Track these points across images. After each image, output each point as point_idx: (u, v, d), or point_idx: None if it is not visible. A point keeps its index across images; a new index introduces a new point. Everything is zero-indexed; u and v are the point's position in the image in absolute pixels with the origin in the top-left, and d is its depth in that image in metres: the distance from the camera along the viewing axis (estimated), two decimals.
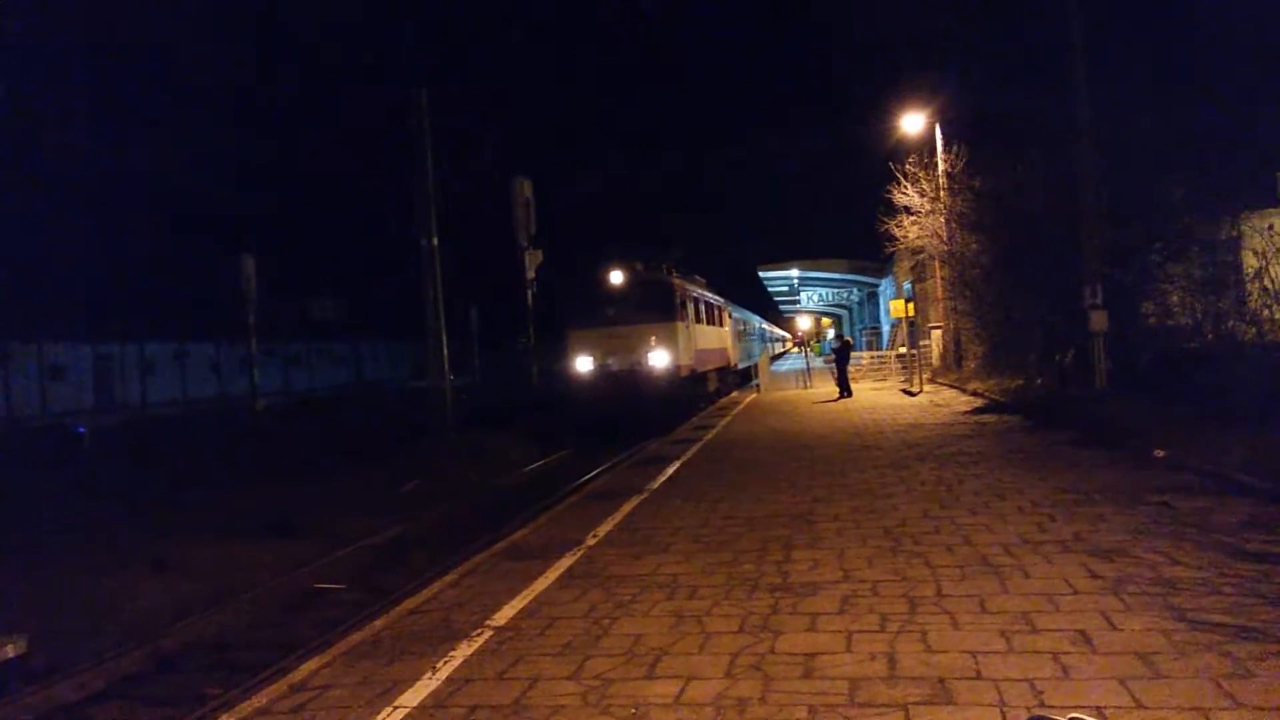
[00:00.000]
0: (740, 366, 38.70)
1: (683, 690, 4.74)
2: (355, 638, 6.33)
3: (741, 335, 40.58)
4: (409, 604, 7.11)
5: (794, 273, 56.16)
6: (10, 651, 7.60)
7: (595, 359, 23.81)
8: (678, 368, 23.61)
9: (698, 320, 26.83)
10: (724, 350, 32.67)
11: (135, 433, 33.12)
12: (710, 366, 28.64)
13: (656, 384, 23.23)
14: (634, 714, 4.50)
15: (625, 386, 23.27)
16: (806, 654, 5.11)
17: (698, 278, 29.80)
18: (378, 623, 6.66)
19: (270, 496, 16.03)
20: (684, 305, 24.73)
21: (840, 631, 5.45)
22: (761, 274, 57.78)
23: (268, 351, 52.08)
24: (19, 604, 9.60)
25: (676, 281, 24.70)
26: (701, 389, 27.49)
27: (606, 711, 4.56)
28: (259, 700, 5.24)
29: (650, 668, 5.12)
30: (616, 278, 24.04)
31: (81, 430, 29.32)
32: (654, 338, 23.51)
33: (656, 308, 23.82)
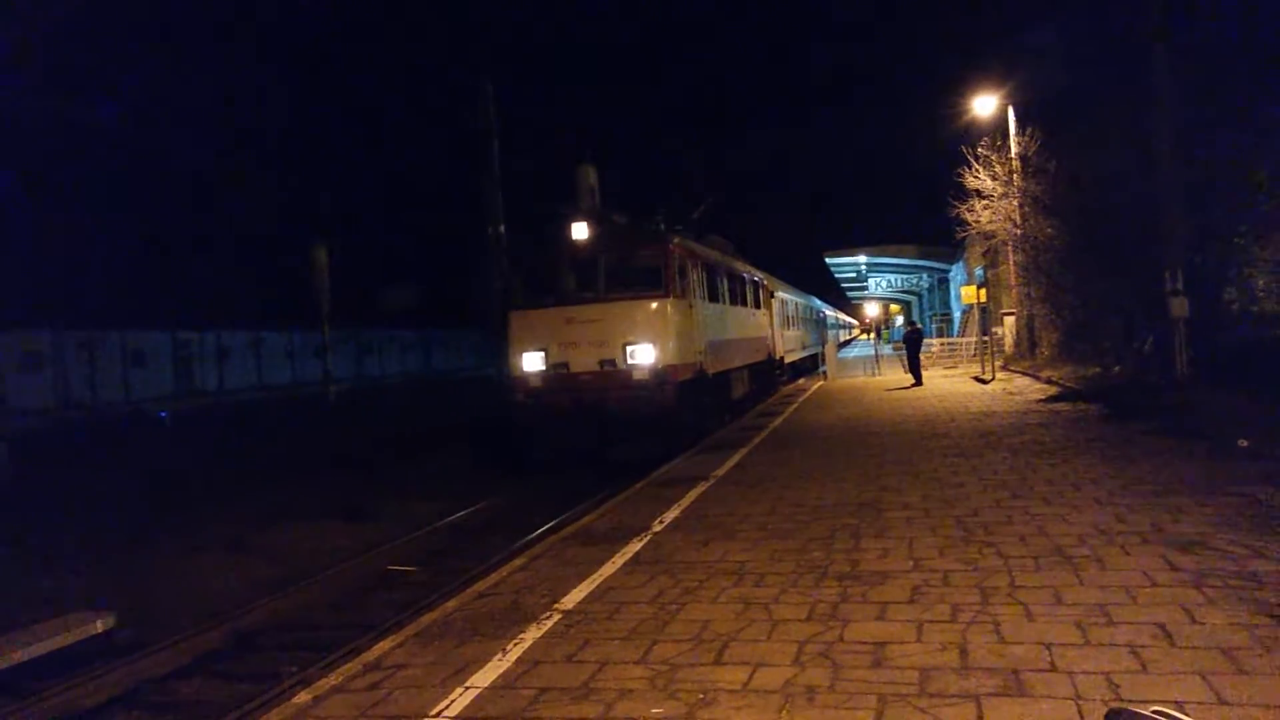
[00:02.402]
0: (793, 358, 32.63)
1: (751, 677, 4.74)
2: (427, 619, 6.44)
3: (792, 321, 33.58)
4: (478, 586, 7.22)
5: (861, 259, 55.49)
6: (100, 626, 7.90)
7: (547, 356, 15.14)
8: (672, 369, 14.88)
9: (712, 298, 18.32)
10: (760, 340, 24.52)
11: (213, 418, 34.03)
12: (734, 364, 20.12)
13: (638, 395, 14.66)
14: (702, 699, 4.52)
15: (590, 399, 14.89)
16: (876, 643, 5.07)
17: (717, 239, 22.61)
18: (449, 604, 6.76)
19: (343, 481, 16.37)
20: (685, 275, 16.03)
21: (910, 621, 5.39)
22: (828, 260, 57.16)
23: (340, 339, 53.10)
24: (106, 582, 9.96)
25: (676, 242, 15.98)
26: (719, 398, 18.64)
27: (674, 696, 4.58)
28: (335, 678, 5.37)
29: (718, 654, 5.12)
30: (580, 232, 15.38)
31: (163, 415, 30.23)
32: (635, 322, 14.89)
33: (640, 278, 15.26)
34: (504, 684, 4.97)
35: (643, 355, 14.74)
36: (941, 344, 41.55)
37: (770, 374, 26.67)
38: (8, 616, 8.21)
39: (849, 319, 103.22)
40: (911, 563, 6.66)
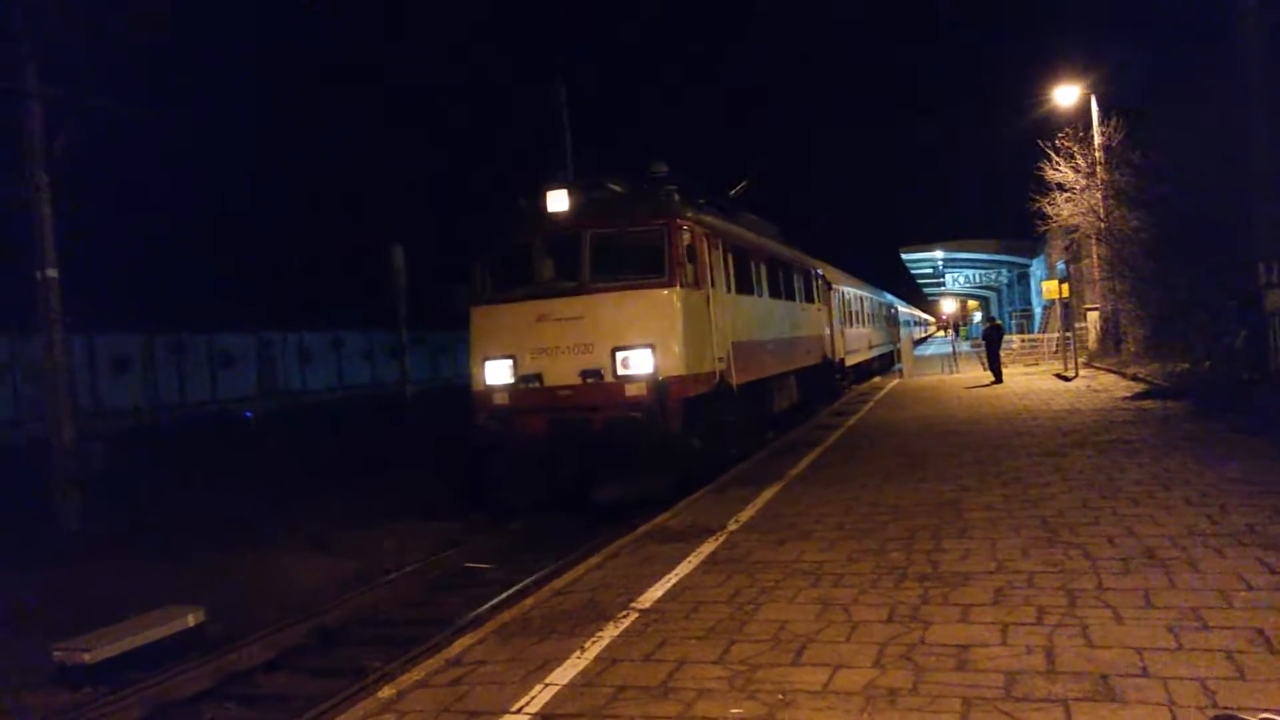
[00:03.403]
0: (857, 360, 29.45)
1: (831, 678, 4.69)
2: (506, 616, 6.52)
3: (857, 317, 30.45)
4: (556, 584, 7.28)
5: (938, 254, 54.48)
6: (190, 621, 8.16)
7: (516, 365, 11.80)
8: (678, 381, 11.44)
9: (743, 289, 14.79)
10: (814, 340, 21.19)
11: (297, 417, 34.88)
12: (774, 370, 16.49)
13: (630, 418, 11.09)
14: (782, 700, 4.49)
15: (570, 422, 11.47)
16: (959, 645, 4.98)
17: (749, 217, 17.92)
18: (527, 602, 6.84)
19: (422, 477, 16.64)
20: (699, 259, 12.38)
21: (994, 623, 5.29)
22: (904, 256, 56.27)
23: (417, 340, 53.97)
24: (194, 577, 10.27)
25: (687, 216, 12.51)
26: (751, 414, 14.90)
27: (753, 697, 4.56)
28: (418, 674, 5.46)
29: (796, 654, 5.09)
30: (558, 203, 12.05)
31: (249, 415, 31.06)
32: (629, 320, 11.52)
33: (637, 261, 11.87)
34: (583, 682, 5.00)
35: (638, 363, 11.17)
36: (1022, 340, 40.62)
37: (828, 379, 23.16)
38: (105, 610, 8.52)
39: (925, 315, 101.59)
40: (994, 564, 6.53)
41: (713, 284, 12.75)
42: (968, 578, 6.24)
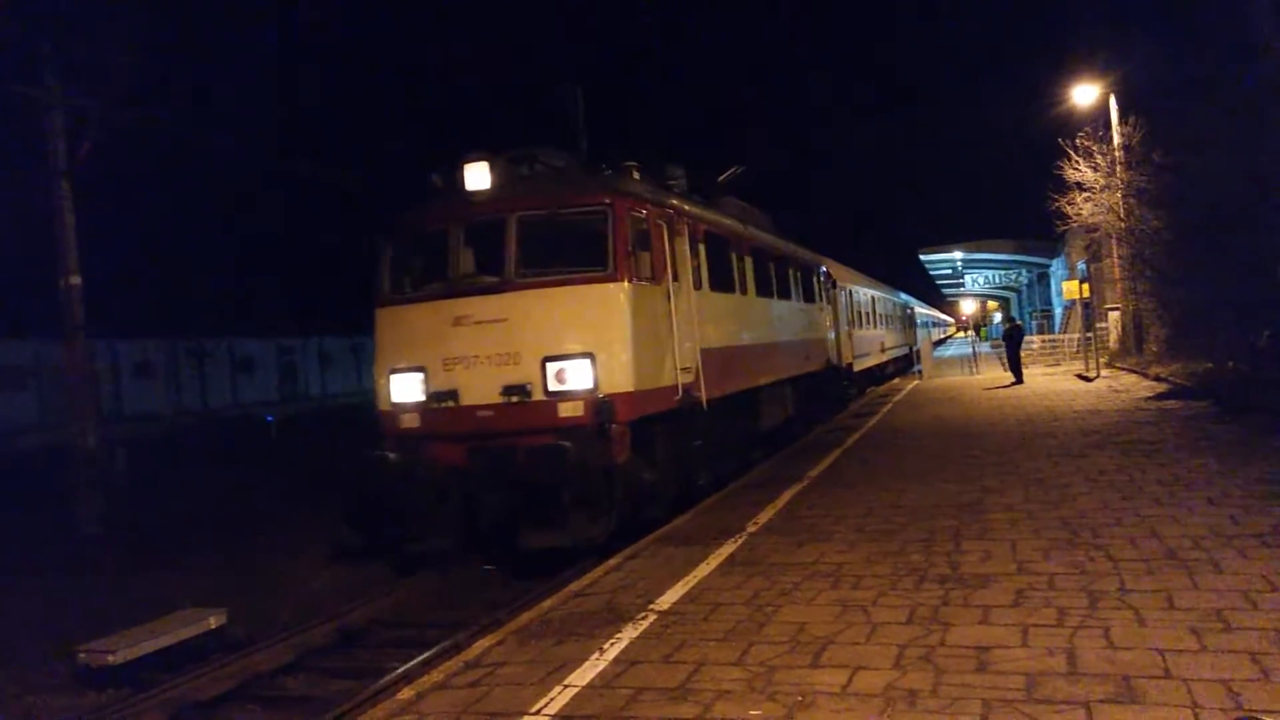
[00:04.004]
0: (868, 365, 27.47)
1: (850, 680, 4.68)
2: (525, 618, 6.53)
3: (869, 318, 28.55)
4: (574, 586, 7.29)
5: (957, 255, 54.22)
6: (213, 623, 8.22)
7: (427, 380, 9.74)
8: (625, 400, 9.28)
9: (722, 286, 12.69)
10: (816, 344, 19.15)
11: (317, 421, 35.05)
12: (763, 379, 14.41)
13: (560, 449, 8.83)
14: (801, 702, 4.48)
15: (490, 452, 9.46)
16: (979, 647, 4.96)
17: (733, 203, 15.31)
18: (545, 604, 6.85)
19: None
20: (655, 246, 10.29)
21: (1015, 625, 5.26)
22: (923, 257, 56.02)
23: None
24: (215, 579, 10.35)
25: (638, 195, 10.30)
26: (729, 435, 12.68)
27: (773, 698, 4.55)
28: (437, 675, 5.48)
29: (815, 656, 5.08)
30: (477, 178, 9.80)
31: (270, 419, 31.25)
32: (563, 322, 9.46)
33: (574, 250, 9.76)
34: (602, 683, 5.01)
35: (575, 377, 9.07)
36: (1042, 341, 40.37)
37: (833, 387, 21.29)
38: (128, 612, 8.60)
39: (945, 316, 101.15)
40: (1015, 565, 6.49)
41: (676, 278, 10.55)
42: (988, 579, 6.21)
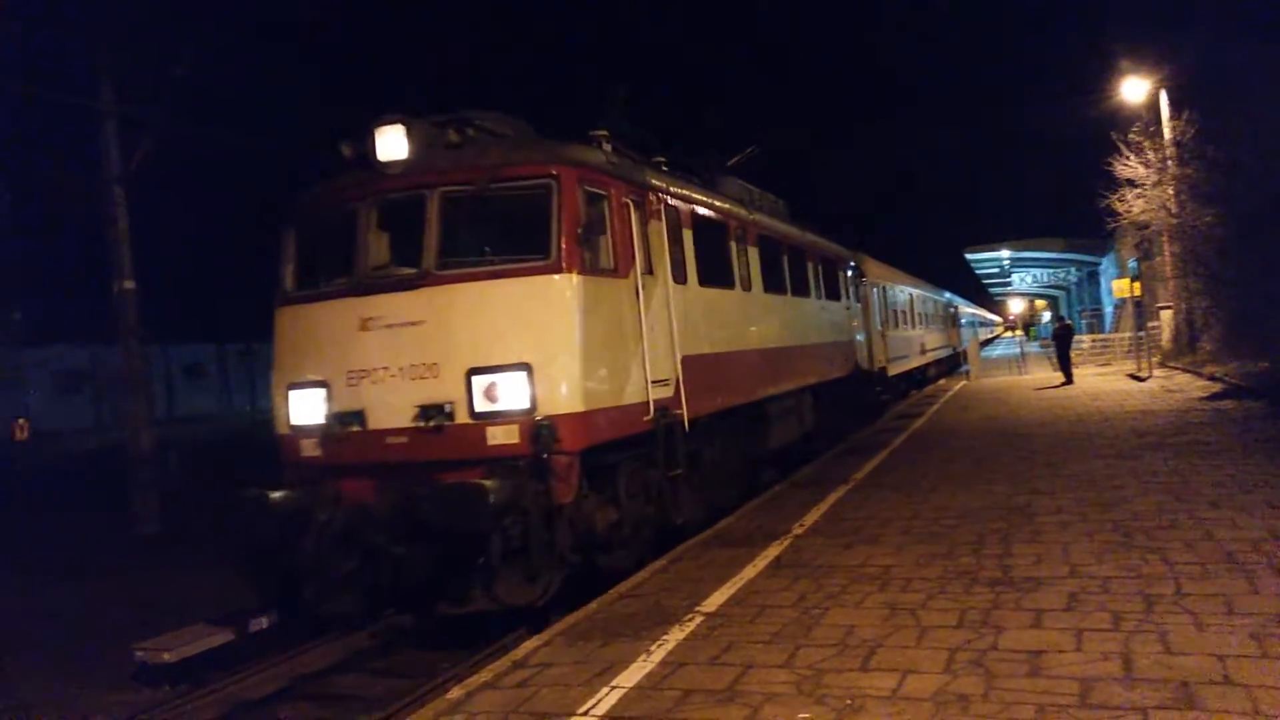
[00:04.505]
0: (905, 368, 25.31)
1: (900, 684, 4.64)
2: (571, 619, 6.55)
3: (906, 318, 26.52)
4: (621, 588, 7.29)
5: (1004, 254, 53.53)
6: (264, 623, 8.35)
7: (330, 397, 7.82)
8: (574, 422, 7.35)
9: (716, 279, 10.81)
10: (840, 347, 17.21)
11: None
12: (778, 387, 12.84)
13: (485, 491, 6.72)
14: (850, 705, 4.44)
15: (401, 492, 7.31)
16: (1032, 651, 4.88)
17: (734, 183, 13.33)
18: (592, 605, 6.86)
19: None
20: (614, 230, 8.31)
21: (1068, 629, 5.17)
22: (968, 256, 55.40)
23: None
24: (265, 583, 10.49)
25: (594, 166, 8.30)
26: (726, 460, 10.98)
27: (821, 702, 4.52)
28: (485, 675, 5.52)
29: (864, 659, 5.04)
30: (391, 147, 7.85)
31: None
32: (492, 325, 7.45)
33: (509, 235, 7.90)
34: (649, 685, 5.01)
35: (508, 394, 7.22)
36: (1093, 340, 39.73)
37: (863, 394, 19.25)
38: (183, 611, 8.75)
39: (992, 316, 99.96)
40: (1067, 568, 6.39)
41: (651, 271, 8.80)
42: (1040, 583, 6.12)
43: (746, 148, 15.60)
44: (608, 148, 8.97)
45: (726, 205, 11.74)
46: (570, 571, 7.63)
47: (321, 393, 7.84)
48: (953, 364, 39.13)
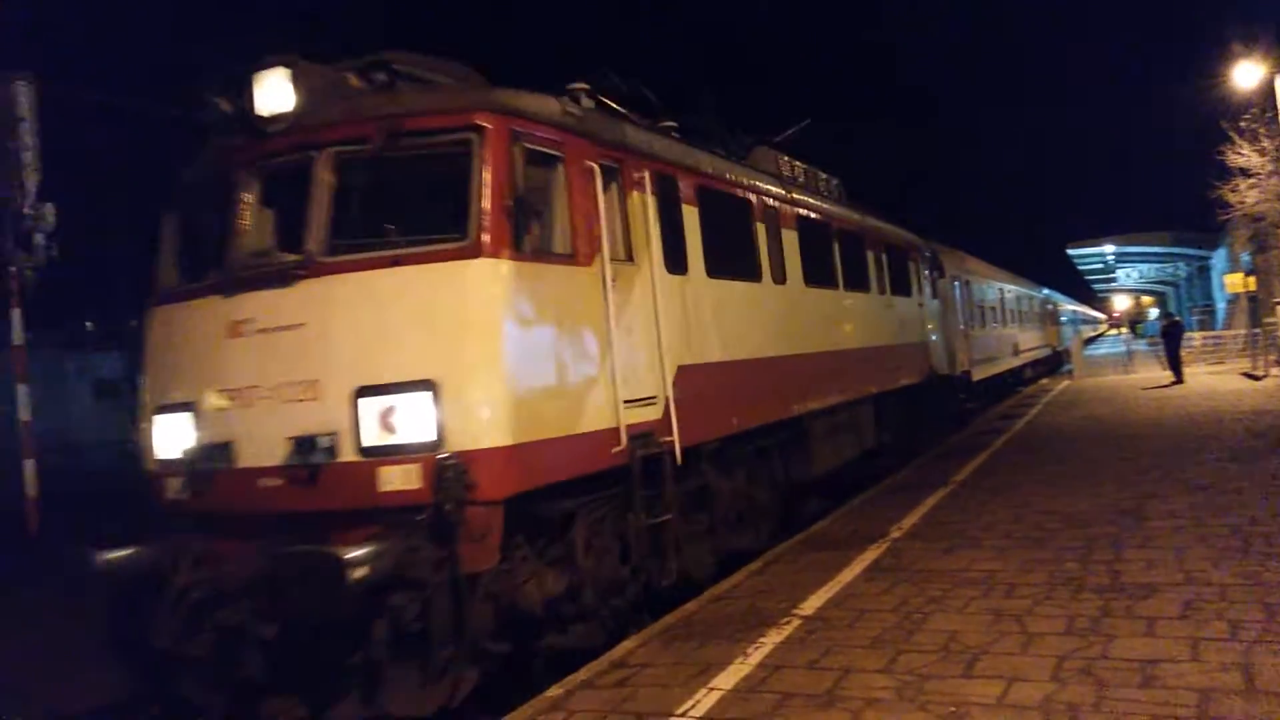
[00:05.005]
0: (992, 372, 23.13)
1: (1005, 691, 4.53)
2: (668, 619, 6.57)
3: (995, 315, 24.51)
4: (716, 589, 7.29)
5: (1108, 249, 51.86)
6: None
7: (198, 424, 6.02)
8: (499, 461, 5.47)
9: (725, 269, 8.62)
10: (915, 349, 15.42)
11: None
12: (826, 399, 10.90)
13: (327, 571, 4.91)
14: (954, 713, 4.36)
15: (269, 555, 5.31)
16: (1145, 660, 4.72)
17: (774, 155, 11.44)
18: (688, 606, 6.87)
19: None
20: (573, 203, 6.47)
21: (1183, 638, 4.98)
22: (1071, 252, 53.83)
23: None
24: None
25: (533, 115, 6.26)
26: (745, 488, 9.04)
27: (924, 708, 4.45)
28: (584, 674, 5.57)
29: (968, 666, 4.93)
30: (275, 94, 6.03)
31: None
32: (395, 331, 5.60)
33: (420, 207, 6.08)
34: (747, 687, 5.00)
35: (407, 422, 5.50)
36: (1204, 338, 38.15)
37: (940, 401, 17.01)
38: None
39: (1095, 313, 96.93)
40: (1182, 575, 6.15)
41: (627, 257, 7.00)
42: (1152, 590, 5.90)
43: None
44: (586, 103, 7.23)
45: (751, 179, 9.81)
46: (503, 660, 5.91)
47: (188, 418, 6.08)
48: (1053, 364, 37.99)
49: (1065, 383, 27.93)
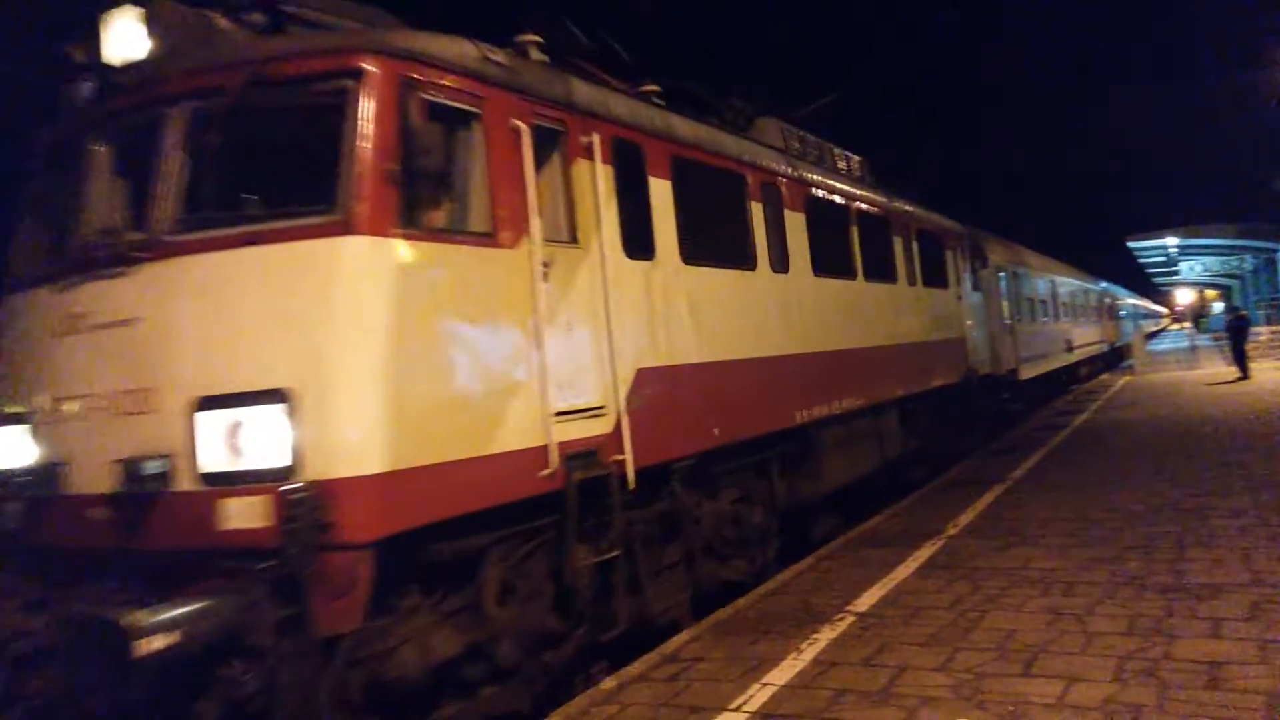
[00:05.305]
0: (1041, 371, 20.97)
1: (1065, 691, 4.45)
2: (721, 614, 6.56)
3: (1046, 309, 22.88)
4: (768, 585, 7.26)
5: (1170, 241, 50.68)
6: None
7: (35, 439, 5.00)
8: (381, 488, 4.32)
9: (705, 255, 7.34)
10: (949, 346, 13.86)
11: None
12: (839, 404, 9.48)
13: (214, 607, 4.09)
14: (1012, 712, 4.30)
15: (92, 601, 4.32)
16: (1210, 662, 4.61)
17: (780, 126, 10.15)
18: (740, 601, 6.85)
19: None
20: (490, 170, 5.23)
21: (1251, 640, 4.86)
22: (1131, 245, 52.63)
23: None
24: None
25: (430, 53, 4.98)
26: (723, 515, 7.50)
27: (981, 707, 4.40)
28: (638, 668, 5.59)
29: (1026, 665, 4.86)
30: (124, 39, 5.03)
31: None
32: (245, 328, 4.49)
33: (294, 174, 4.84)
34: (800, 683, 4.97)
35: (255, 441, 4.35)
36: (1271, 332, 37.13)
37: (980, 403, 15.36)
38: None
39: (1157, 307, 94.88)
40: (1249, 575, 6.01)
41: (570, 238, 5.93)
42: (1217, 590, 5.77)
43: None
44: (538, 58, 6.26)
45: (746, 151, 8.52)
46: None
47: (20, 431, 5.13)
48: (1109, 360, 37.13)
49: (1126, 379, 27.37)
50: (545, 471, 5.29)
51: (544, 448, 5.31)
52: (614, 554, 5.82)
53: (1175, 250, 53.61)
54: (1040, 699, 4.40)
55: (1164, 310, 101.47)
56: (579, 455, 5.57)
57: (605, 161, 6.25)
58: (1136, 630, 5.19)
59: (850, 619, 6.03)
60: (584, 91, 6.29)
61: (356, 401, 4.36)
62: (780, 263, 8.66)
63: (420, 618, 4.82)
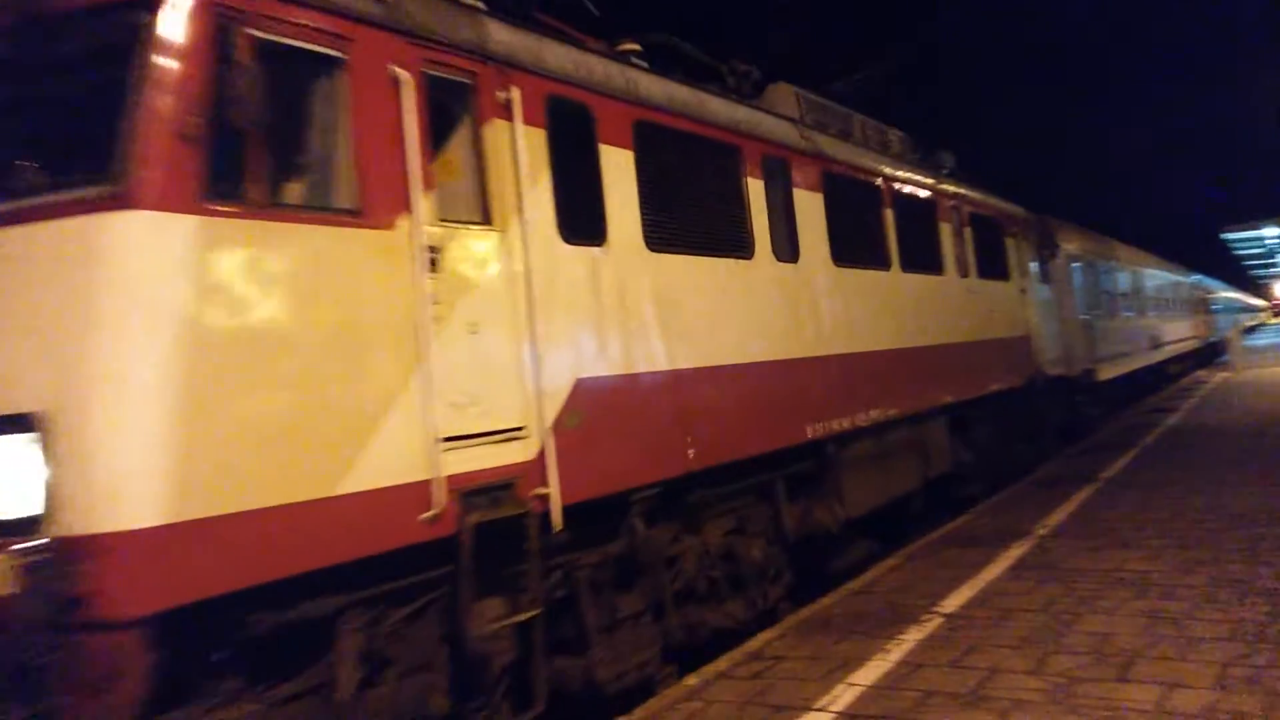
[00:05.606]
0: (1123, 370, 19.00)
1: (1164, 698, 4.33)
2: (805, 613, 6.53)
3: (1127, 303, 21.26)
4: (853, 584, 7.20)
5: (1269, 232, 48.70)
6: None
7: None
8: (166, 545, 3.26)
9: (684, 242, 6.23)
10: (1011, 345, 12.38)
11: None
12: (870, 415, 8.23)
13: None
14: (1108, 718, 4.19)
15: None
16: None
17: (797, 93, 8.76)
18: (825, 600, 6.81)
19: None
20: (355, 132, 4.12)
21: None
22: (1225, 236, 50.75)
23: None
24: None
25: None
26: (715, 542, 6.48)
27: (1075, 712, 4.29)
28: (721, 664, 5.60)
29: (1123, 670, 4.73)
30: None
31: None
32: (3, 331, 3.42)
33: (73, 135, 3.78)
34: (887, 684, 4.92)
35: None
36: None
37: (1050, 408, 13.97)
38: None
39: (1255, 301, 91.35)
40: None
41: (483, 218, 4.83)
42: None
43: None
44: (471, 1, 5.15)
45: (739, 117, 7.26)
46: None
47: None
48: (1202, 357, 35.72)
49: (1222, 375, 26.42)
50: (428, 514, 4.18)
51: (426, 483, 4.19)
52: (530, 614, 4.65)
53: (1274, 241, 51.58)
54: (1137, 705, 4.28)
55: (1262, 304, 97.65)
56: (482, 490, 4.46)
57: (534, 124, 5.12)
58: (1240, 636, 5.02)
59: (938, 620, 5.95)
60: (502, 36, 5.09)
61: (128, 429, 3.31)
62: (787, 251, 7.44)
63: (248, 707, 3.68)
